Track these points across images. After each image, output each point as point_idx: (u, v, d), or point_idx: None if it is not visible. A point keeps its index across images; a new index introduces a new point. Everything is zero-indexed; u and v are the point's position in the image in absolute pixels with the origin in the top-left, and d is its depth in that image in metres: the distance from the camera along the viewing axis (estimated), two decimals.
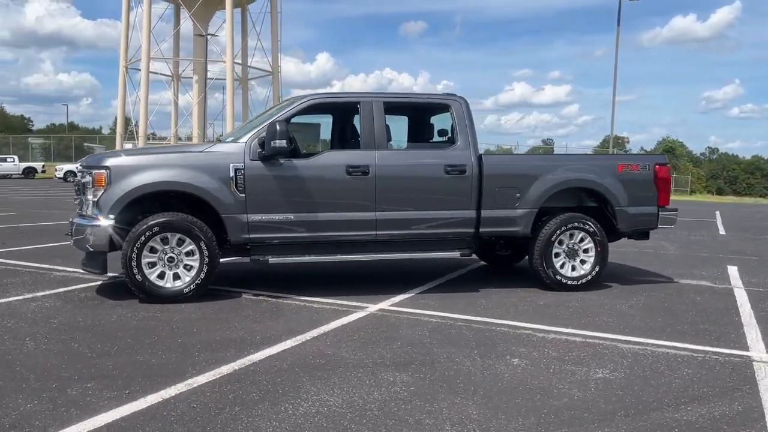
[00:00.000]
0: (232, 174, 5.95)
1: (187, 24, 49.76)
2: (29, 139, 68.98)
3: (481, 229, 6.64)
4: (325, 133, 7.73)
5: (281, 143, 5.86)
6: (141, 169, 5.84)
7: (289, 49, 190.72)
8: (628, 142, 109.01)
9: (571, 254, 6.92)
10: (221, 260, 6.25)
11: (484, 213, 6.61)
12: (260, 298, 6.28)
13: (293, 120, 6.44)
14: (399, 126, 7.59)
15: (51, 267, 7.74)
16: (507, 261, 8.45)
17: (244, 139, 6.12)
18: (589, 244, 6.92)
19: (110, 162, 5.87)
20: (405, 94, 7.30)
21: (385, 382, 3.85)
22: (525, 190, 6.70)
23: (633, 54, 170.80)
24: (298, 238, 6.22)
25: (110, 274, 6.53)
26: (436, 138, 7.41)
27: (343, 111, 7.27)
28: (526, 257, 7.26)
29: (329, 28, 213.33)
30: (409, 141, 7.63)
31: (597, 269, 6.92)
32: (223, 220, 5.98)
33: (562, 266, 6.88)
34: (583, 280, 6.89)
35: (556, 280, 6.83)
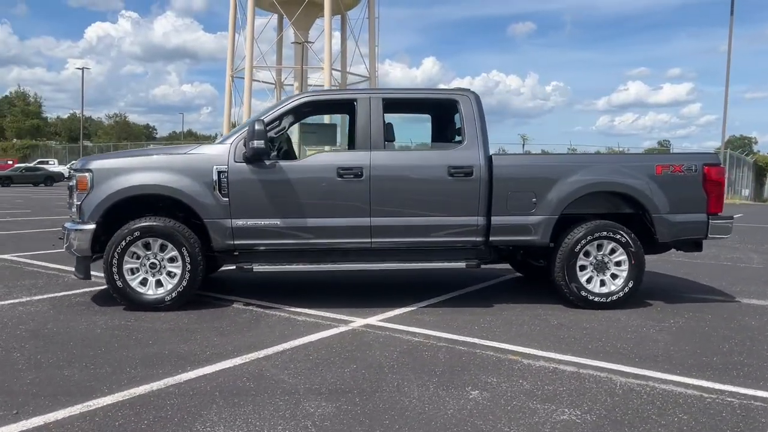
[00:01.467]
0: (215, 177, 5.66)
1: (289, 33, 51.12)
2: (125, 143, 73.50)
3: (491, 238, 5.96)
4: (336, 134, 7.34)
5: (259, 144, 5.50)
6: (123, 172, 5.67)
7: (395, 55, 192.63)
8: (755, 142, 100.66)
9: (600, 267, 6.07)
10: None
11: (495, 220, 5.93)
12: (249, 307, 5.95)
13: (308, 121, 6.11)
14: (407, 125, 7.05)
15: (72, 269, 7.82)
16: (543, 272, 7.65)
17: (230, 140, 5.82)
18: (621, 256, 6.04)
19: (93, 165, 5.75)
20: (408, 90, 6.69)
21: (302, 414, 3.36)
22: (543, 194, 5.94)
23: (763, 47, 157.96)
24: (286, 245, 5.83)
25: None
26: (444, 137, 6.81)
27: (339, 110, 6.83)
28: None
29: (435, 32, 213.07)
30: (412, 140, 7.07)
31: (630, 285, 6.03)
32: (205, 225, 5.70)
33: (588, 281, 6.06)
34: (614, 297, 6.03)
35: (580, 296, 6.02)
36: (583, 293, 6.01)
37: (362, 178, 5.75)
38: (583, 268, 6.06)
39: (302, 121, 7.42)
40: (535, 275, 7.65)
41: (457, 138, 6.56)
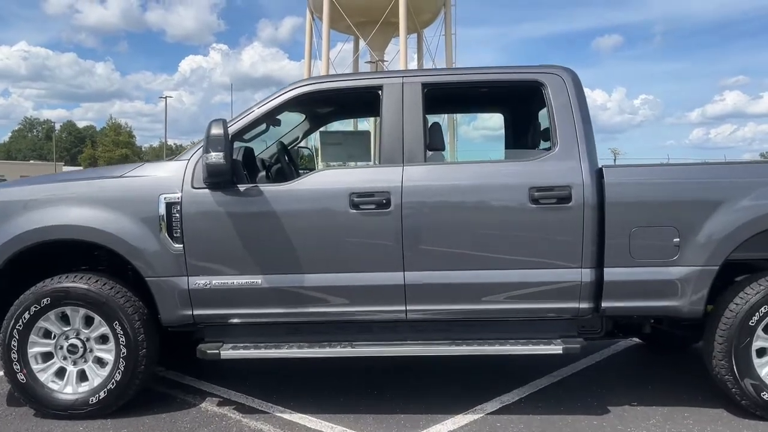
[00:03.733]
0: (161, 211, 3.64)
1: (365, 54, 50.11)
2: None
3: (605, 304, 3.62)
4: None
5: (215, 159, 3.45)
6: (30, 207, 3.76)
7: None
8: None
9: None
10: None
11: (611, 274, 3.58)
12: (223, 409, 3.87)
13: (331, 128, 4.07)
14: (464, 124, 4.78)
15: None
16: (683, 343, 5.11)
17: (188, 155, 3.81)
18: None
19: None
20: (462, 70, 4.38)
21: None
22: (692, 229, 3.55)
23: None
24: (272, 315, 3.73)
25: None
26: (523, 142, 4.55)
27: (356, 105, 4.70)
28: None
29: (517, 50, 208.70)
30: (469, 148, 4.85)
31: None
32: (148, 285, 3.69)
33: None
34: None
35: (760, 401, 3.56)
36: (766, 396, 3.55)
37: (389, 210, 3.58)
38: (763, 352, 3.61)
39: (324, 129, 5.32)
40: (667, 347, 5.14)
41: (543, 143, 4.28)
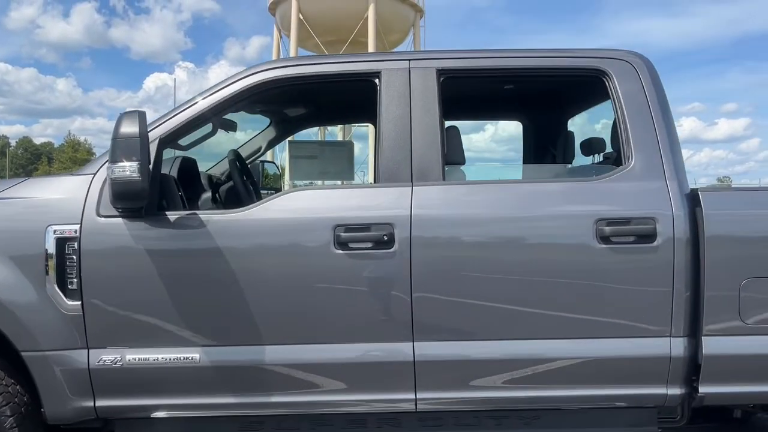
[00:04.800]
0: (49, 249, 2.41)
1: None
2: None
3: (703, 389, 2.47)
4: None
5: (127, 174, 2.24)
6: None
7: None
8: None
9: None
10: None
11: (713, 344, 2.45)
12: None
13: (301, 137, 2.86)
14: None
15: None
16: None
17: (94, 167, 2.59)
18: None
19: None
20: (495, 54, 3.18)
21: None
22: None
23: None
24: (218, 407, 2.51)
25: None
26: (581, 152, 3.45)
27: (342, 102, 3.54)
28: None
29: None
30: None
31: None
32: (26, 363, 2.44)
33: None
34: None
35: None
36: None
37: (392, 250, 2.42)
38: None
39: (294, 139, 4.14)
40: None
41: (608, 151, 3.20)
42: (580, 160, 3.65)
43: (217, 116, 2.77)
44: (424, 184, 2.52)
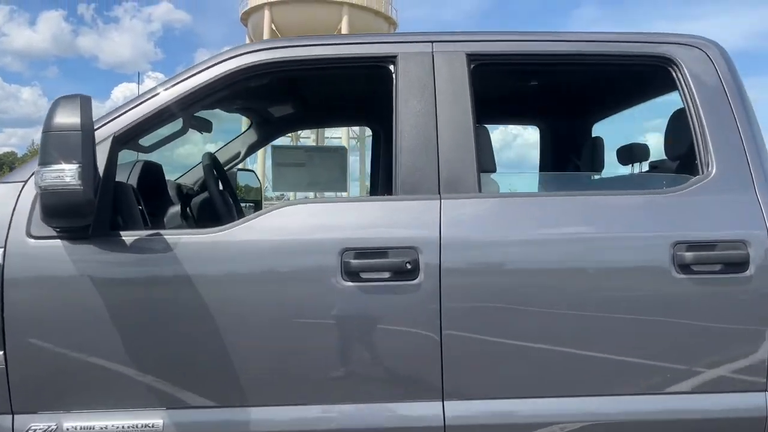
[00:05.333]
0: None
1: None
2: None
3: None
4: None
5: (63, 182, 1.66)
6: None
7: None
8: None
9: None
10: None
11: None
12: None
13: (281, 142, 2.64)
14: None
15: None
16: None
17: (24, 174, 1.98)
18: None
19: None
20: (541, 36, 2.63)
21: None
22: None
23: None
24: None
25: None
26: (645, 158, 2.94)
27: (344, 98, 2.98)
28: None
29: None
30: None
31: None
32: None
33: None
34: None
35: None
36: None
37: (416, 281, 1.86)
38: None
39: (278, 143, 3.58)
40: None
41: (657, 159, 2.70)
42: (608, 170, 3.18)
43: (187, 111, 2.19)
44: (455, 196, 1.97)
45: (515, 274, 1.93)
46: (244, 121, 3.50)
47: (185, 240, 1.91)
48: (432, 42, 2.14)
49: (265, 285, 1.90)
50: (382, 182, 3.46)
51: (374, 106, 2.85)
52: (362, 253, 1.89)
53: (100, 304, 1.84)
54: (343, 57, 2.16)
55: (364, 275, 1.88)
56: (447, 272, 1.88)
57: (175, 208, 2.30)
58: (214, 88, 2.07)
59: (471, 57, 2.12)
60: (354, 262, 1.87)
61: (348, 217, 1.99)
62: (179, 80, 2.05)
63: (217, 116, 3.06)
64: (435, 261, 1.88)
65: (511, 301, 1.91)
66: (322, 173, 3.58)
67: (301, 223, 1.96)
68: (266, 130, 3.38)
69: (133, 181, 2.22)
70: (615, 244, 1.97)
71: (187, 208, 2.36)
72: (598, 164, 3.19)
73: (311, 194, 3.99)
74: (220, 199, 2.33)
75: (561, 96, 3.19)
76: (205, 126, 2.81)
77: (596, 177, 3.03)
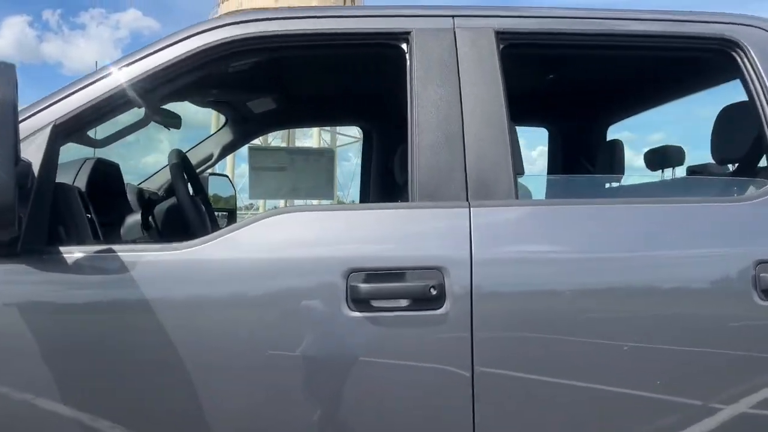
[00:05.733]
0: None
1: None
2: None
3: None
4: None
5: None
6: None
7: None
8: None
9: None
10: None
11: None
12: None
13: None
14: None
15: None
16: None
17: None
18: None
19: None
20: (583, 12, 2.27)
21: None
22: None
23: None
24: None
25: None
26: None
27: (336, 83, 2.56)
28: None
29: None
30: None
31: None
32: None
33: None
34: None
35: None
36: None
37: (442, 311, 1.47)
38: None
39: (256, 144, 3.16)
40: None
41: (734, 156, 2.31)
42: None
43: (150, 97, 1.76)
44: (487, 203, 1.59)
45: (566, 298, 1.55)
46: (213, 117, 3.07)
47: (147, 258, 1.49)
48: (453, 16, 1.75)
49: (249, 315, 1.49)
50: (375, 189, 3.07)
51: (371, 98, 2.47)
52: (373, 275, 1.49)
53: (30, 338, 1.41)
54: (343, 32, 1.76)
55: (375, 303, 1.48)
56: (480, 298, 1.49)
57: (135, 217, 1.87)
58: (184, 69, 1.65)
59: (501, 35, 1.74)
60: (363, 286, 1.46)
61: (355, 229, 1.58)
62: (139, 57, 1.63)
63: (187, 111, 2.64)
64: (465, 284, 1.49)
65: (560, 331, 1.53)
66: (307, 178, 3.16)
67: (295, 237, 1.55)
68: (243, 128, 2.95)
69: (81, 182, 1.79)
70: (685, 262, 1.60)
71: (150, 218, 1.93)
72: (617, 168, 2.85)
73: (295, 202, 3.57)
74: (191, 206, 1.90)
75: (598, 88, 2.79)
76: (172, 121, 2.38)
77: (641, 182, 2.67)
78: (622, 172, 2.86)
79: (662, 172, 2.62)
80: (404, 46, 1.72)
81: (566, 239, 1.58)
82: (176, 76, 1.66)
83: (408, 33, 1.71)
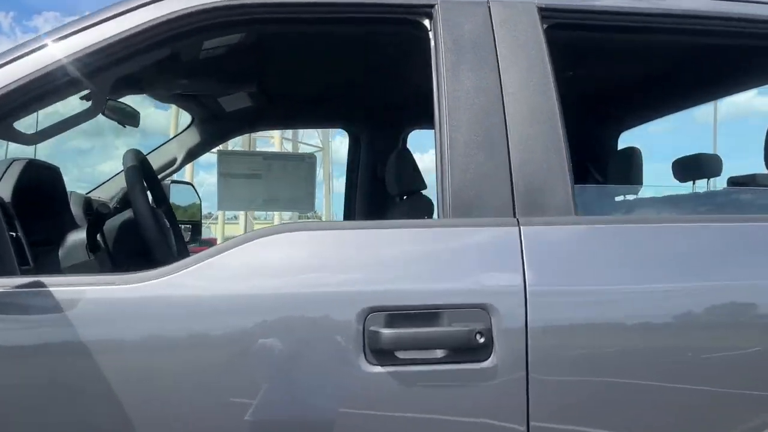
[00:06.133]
0: None
1: None
2: None
3: None
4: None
5: None
6: None
7: None
8: None
9: None
10: None
11: None
12: None
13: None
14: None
15: None
16: None
17: None
18: None
19: None
20: None
21: None
22: None
23: None
24: None
25: None
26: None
27: (331, 73, 2.19)
28: None
29: None
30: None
31: None
32: None
33: None
34: None
35: None
36: None
37: (487, 365, 1.11)
38: None
39: (225, 149, 2.75)
40: None
41: (739, 175, 2.02)
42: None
43: (97, 80, 1.35)
44: (541, 220, 1.24)
45: (653, 339, 1.20)
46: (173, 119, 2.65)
47: (93, 293, 1.09)
48: None
49: (236, 372, 1.10)
50: (363, 201, 2.71)
51: (368, 93, 2.10)
52: (399, 316, 1.12)
53: None
54: (348, 3, 1.39)
55: (401, 355, 1.11)
56: (539, 343, 1.14)
57: (79, 236, 1.46)
58: (143, 43, 1.26)
59: (545, 12, 1.39)
60: (386, 333, 1.09)
61: (373, 255, 1.20)
62: (84, 27, 1.23)
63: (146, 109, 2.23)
64: (518, 326, 1.13)
65: (643, 376, 1.18)
66: (284, 187, 2.76)
67: (295, 263, 1.17)
68: (213, 128, 2.55)
69: (5, 191, 1.37)
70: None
71: (99, 236, 1.52)
72: (635, 178, 2.54)
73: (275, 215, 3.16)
74: (152, 221, 1.48)
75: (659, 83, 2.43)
76: (128, 118, 1.97)
77: (701, 192, 2.35)
78: (641, 182, 2.55)
79: (693, 183, 2.32)
80: (426, 22, 1.37)
81: (651, 264, 1.23)
82: (132, 52, 1.26)
83: (431, 6, 1.36)
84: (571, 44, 1.49)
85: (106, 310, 1.09)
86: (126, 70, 1.33)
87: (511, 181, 1.25)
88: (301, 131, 25.56)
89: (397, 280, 1.16)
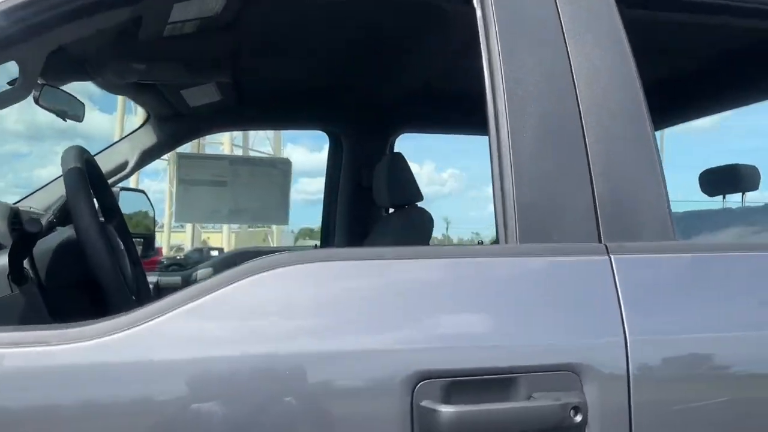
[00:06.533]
0: None
1: None
2: None
3: None
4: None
5: None
6: None
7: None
8: None
9: None
10: None
11: None
12: None
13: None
14: None
15: None
16: None
17: None
18: None
19: None
20: None
21: None
22: None
23: None
24: None
25: None
26: None
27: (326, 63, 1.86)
28: None
29: None
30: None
31: None
32: None
33: None
34: None
35: None
36: None
37: None
38: None
39: (185, 151, 2.37)
40: None
41: None
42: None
43: (24, 48, 0.98)
44: (637, 248, 0.93)
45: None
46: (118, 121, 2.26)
47: (12, 358, 0.73)
48: None
49: None
50: (344, 214, 2.37)
51: (364, 89, 1.77)
52: (460, 385, 0.79)
53: None
54: None
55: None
56: (643, 413, 0.83)
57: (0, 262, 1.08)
58: (91, 8, 0.90)
59: None
60: (445, 412, 0.76)
61: (418, 298, 0.87)
62: None
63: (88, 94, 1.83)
64: (620, 400, 0.83)
65: None
66: (254, 197, 2.39)
67: (313, 311, 0.83)
68: (172, 127, 2.16)
69: None
70: None
71: (27, 261, 1.12)
72: None
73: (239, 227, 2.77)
74: (100, 241, 1.09)
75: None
76: (72, 108, 1.59)
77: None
78: None
79: (723, 198, 2.08)
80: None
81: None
82: (72, 15, 0.90)
83: None
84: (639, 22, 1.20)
85: (35, 383, 0.72)
86: (66, 38, 0.96)
87: (594, 195, 0.94)
88: (251, 137, 24.98)
89: (455, 336, 0.83)
